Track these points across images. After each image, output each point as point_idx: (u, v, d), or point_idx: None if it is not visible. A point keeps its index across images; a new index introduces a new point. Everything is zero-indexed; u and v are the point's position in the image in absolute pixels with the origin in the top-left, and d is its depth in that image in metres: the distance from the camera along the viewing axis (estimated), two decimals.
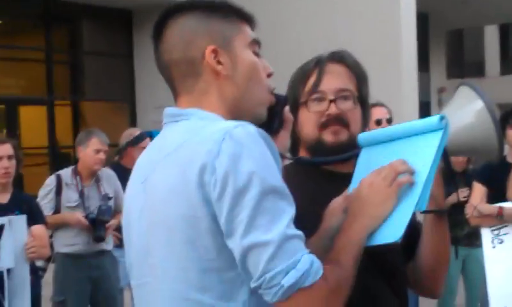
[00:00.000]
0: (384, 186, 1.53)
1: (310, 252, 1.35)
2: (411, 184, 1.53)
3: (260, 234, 1.30)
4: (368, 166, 1.63)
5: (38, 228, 4.24)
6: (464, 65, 25.48)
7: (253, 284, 1.33)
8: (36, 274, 4.38)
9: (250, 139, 1.36)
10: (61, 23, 13.21)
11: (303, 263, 1.32)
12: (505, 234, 4.39)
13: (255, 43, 1.56)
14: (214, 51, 1.49)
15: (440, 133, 1.57)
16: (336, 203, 1.66)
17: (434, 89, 17.24)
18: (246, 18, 1.56)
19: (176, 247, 1.39)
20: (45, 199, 4.98)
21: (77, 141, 5.20)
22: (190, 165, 1.37)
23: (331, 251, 1.50)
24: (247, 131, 1.37)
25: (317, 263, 1.35)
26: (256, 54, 1.55)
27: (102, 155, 5.06)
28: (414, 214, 1.65)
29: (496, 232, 4.42)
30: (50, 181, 5.06)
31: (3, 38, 12.64)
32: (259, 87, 1.54)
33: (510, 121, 4.58)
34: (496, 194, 4.60)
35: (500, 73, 25.70)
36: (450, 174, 1.73)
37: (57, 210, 4.98)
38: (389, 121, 4.72)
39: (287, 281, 1.30)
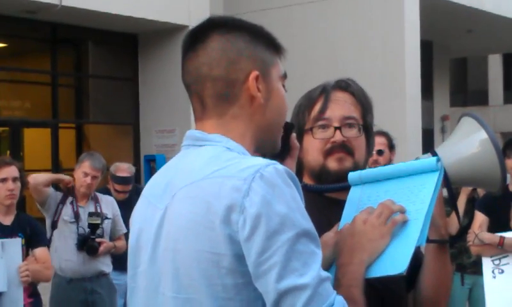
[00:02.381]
0: (378, 223, 1.55)
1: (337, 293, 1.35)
2: (404, 222, 1.56)
3: (296, 278, 1.28)
4: (361, 205, 1.65)
5: (41, 251, 4.24)
6: (468, 94, 25.53)
7: None
8: (37, 296, 4.37)
9: (281, 180, 1.33)
10: (67, 47, 13.28)
11: (336, 304, 1.31)
12: (506, 264, 4.38)
13: (284, 77, 1.55)
14: (257, 77, 1.46)
15: (436, 175, 1.59)
16: (328, 236, 1.65)
17: (438, 117, 17.25)
18: (280, 50, 1.54)
19: (192, 281, 1.36)
20: (50, 204, 5.03)
21: (76, 164, 5.27)
22: (216, 200, 1.33)
23: (340, 288, 1.48)
24: (277, 170, 1.34)
25: (346, 303, 1.34)
26: (284, 88, 1.54)
27: (88, 180, 5.07)
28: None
29: (497, 262, 4.41)
30: (57, 193, 5.14)
31: (9, 60, 12.72)
32: (282, 120, 1.53)
33: (507, 152, 4.61)
34: (497, 224, 4.60)
35: (504, 102, 25.74)
36: (453, 204, 1.73)
37: (56, 220, 5.01)
38: (391, 148, 4.72)
39: None
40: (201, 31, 1.49)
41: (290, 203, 1.32)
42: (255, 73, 1.46)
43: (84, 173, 5.09)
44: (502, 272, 4.38)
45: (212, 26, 1.49)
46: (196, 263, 1.34)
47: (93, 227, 5.02)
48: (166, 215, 1.43)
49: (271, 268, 1.29)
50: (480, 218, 4.77)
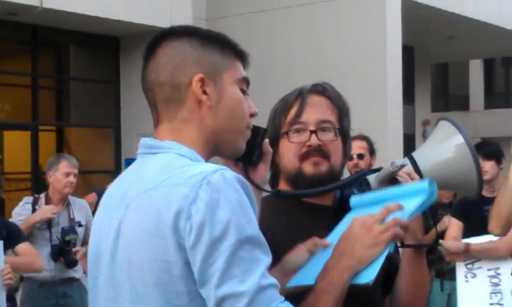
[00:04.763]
0: (378, 230, 1.51)
1: (285, 300, 1.33)
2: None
3: (234, 284, 1.28)
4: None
5: (24, 246, 4.20)
6: (449, 98, 25.69)
7: None
8: (13, 301, 4.32)
9: (228, 185, 1.34)
10: (48, 49, 13.20)
11: None
12: (478, 268, 4.40)
13: (244, 81, 1.54)
14: (202, 80, 1.47)
15: (425, 194, 1.57)
16: (304, 246, 1.63)
17: (419, 122, 17.33)
18: (240, 55, 1.55)
19: (147, 291, 1.36)
20: (19, 216, 4.94)
21: (47, 167, 5.18)
22: (165, 209, 1.34)
23: (312, 292, 1.48)
24: (225, 177, 1.34)
25: None
26: (244, 92, 1.54)
27: (71, 178, 5.03)
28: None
29: (469, 266, 4.43)
30: (26, 200, 5.06)
31: None
32: (240, 124, 1.52)
33: (481, 154, 4.60)
34: (472, 229, 4.61)
35: (485, 107, 25.92)
36: (431, 210, 1.73)
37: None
38: (371, 153, 4.72)
39: None
40: (153, 42, 1.53)
41: (235, 209, 1.32)
42: (198, 76, 1.47)
43: (65, 173, 5.03)
44: (475, 276, 4.39)
45: (163, 35, 1.53)
46: (150, 272, 1.35)
47: (69, 237, 4.97)
48: (121, 226, 1.43)
49: (212, 274, 1.29)
50: (454, 225, 4.79)
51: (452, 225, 4.81)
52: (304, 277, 1.56)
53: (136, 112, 12.25)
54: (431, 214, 1.92)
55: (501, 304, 4.32)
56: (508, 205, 3.14)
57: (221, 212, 1.31)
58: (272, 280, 1.33)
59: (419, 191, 1.59)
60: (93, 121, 13.38)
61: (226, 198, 1.32)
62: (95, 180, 10.64)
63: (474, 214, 4.60)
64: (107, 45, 12.80)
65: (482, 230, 4.39)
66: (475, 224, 4.54)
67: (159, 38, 1.53)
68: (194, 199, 1.32)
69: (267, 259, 1.33)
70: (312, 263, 1.58)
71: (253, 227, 1.33)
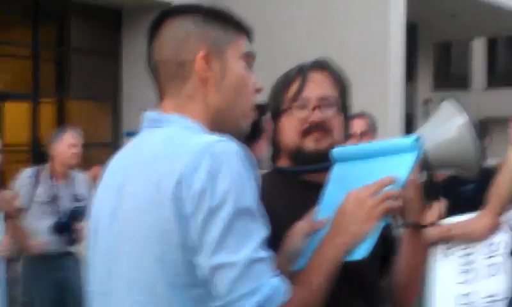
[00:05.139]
0: (371, 204, 1.51)
1: (278, 274, 1.34)
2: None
3: (227, 254, 1.30)
4: (342, 183, 1.62)
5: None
6: (451, 77, 25.62)
7: (216, 304, 1.32)
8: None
9: (230, 156, 1.34)
10: (49, 20, 13.13)
11: (267, 287, 1.31)
12: (450, 248, 4.37)
13: (249, 56, 1.55)
14: (206, 57, 1.47)
15: (414, 155, 1.57)
16: (299, 226, 1.63)
17: (420, 100, 17.31)
18: (243, 30, 1.55)
19: (145, 260, 1.37)
20: (21, 191, 4.91)
21: (49, 140, 5.14)
22: (167, 177, 1.34)
23: (305, 268, 1.48)
24: (228, 148, 1.35)
25: (283, 287, 1.34)
26: (248, 67, 1.54)
27: (76, 149, 5.00)
28: (391, 229, 1.64)
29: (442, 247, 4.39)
30: (27, 173, 5.01)
31: None
32: (244, 100, 1.52)
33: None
34: (451, 208, 4.59)
35: (486, 86, 25.87)
36: (433, 188, 1.73)
37: (28, 203, 4.92)
38: (373, 130, 4.71)
39: (249, 305, 1.29)
40: (156, 20, 1.54)
41: (236, 180, 1.32)
42: (202, 52, 1.47)
43: (69, 144, 5.01)
44: (446, 255, 4.35)
45: (166, 14, 1.53)
46: (148, 240, 1.36)
47: (75, 214, 4.94)
48: (120, 197, 1.44)
49: (208, 243, 1.31)
50: (436, 205, 4.76)
51: (434, 206, 4.80)
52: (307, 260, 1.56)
53: (138, 86, 12.22)
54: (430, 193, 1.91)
55: (468, 283, 4.33)
56: (508, 186, 3.15)
57: (222, 182, 1.31)
58: (266, 254, 1.33)
59: (405, 148, 1.59)
60: (94, 94, 13.36)
61: (227, 168, 1.32)
62: (94, 153, 10.64)
63: (452, 193, 4.61)
64: (109, 17, 12.74)
65: (460, 210, 4.38)
66: (454, 203, 4.53)
67: (162, 16, 1.53)
68: (196, 167, 1.33)
69: (262, 232, 1.34)
70: (312, 243, 1.58)
71: (251, 199, 1.34)
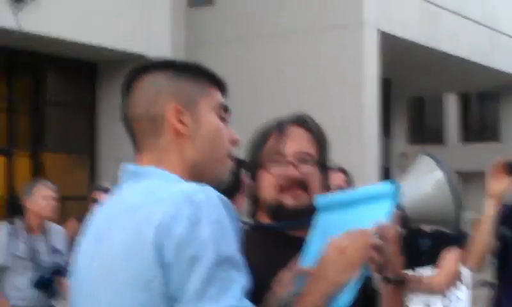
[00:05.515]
0: (352, 253, 1.51)
1: None
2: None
3: (209, 304, 1.27)
4: (325, 232, 1.62)
5: None
6: (425, 132, 25.92)
7: None
8: None
9: (210, 204, 1.34)
10: (24, 73, 13.12)
11: None
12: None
13: (223, 108, 1.55)
14: (177, 110, 1.48)
15: (389, 200, 1.60)
16: (285, 274, 1.62)
17: (396, 154, 17.46)
18: (217, 83, 1.56)
19: None
20: None
21: (23, 194, 5.09)
22: (147, 225, 1.34)
23: None
24: (207, 195, 1.35)
25: None
26: (223, 119, 1.54)
27: (51, 201, 4.95)
28: (370, 281, 1.63)
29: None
30: (4, 228, 4.94)
31: None
32: (220, 151, 1.52)
33: None
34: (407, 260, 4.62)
35: (460, 141, 26.19)
36: (411, 242, 1.72)
37: (7, 259, 4.84)
38: (350, 185, 4.75)
39: None
40: (129, 77, 1.55)
41: (216, 228, 1.32)
42: (173, 106, 1.48)
43: (43, 196, 4.96)
44: None
45: (137, 71, 1.54)
46: (130, 290, 1.34)
47: (56, 268, 4.87)
48: (100, 246, 1.43)
49: (189, 292, 1.29)
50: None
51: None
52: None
53: (112, 138, 12.19)
54: (411, 247, 1.92)
55: None
56: (486, 238, 3.17)
57: (202, 230, 1.30)
58: (248, 304, 1.32)
59: (384, 194, 1.61)
60: (69, 146, 13.29)
61: (207, 216, 1.32)
62: (70, 206, 10.53)
63: (409, 246, 4.63)
64: (84, 70, 12.77)
65: (417, 262, 4.41)
66: (411, 256, 4.56)
67: (134, 73, 1.55)
68: (176, 215, 1.32)
69: (243, 281, 1.33)
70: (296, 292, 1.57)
71: (232, 247, 1.33)
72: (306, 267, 1.59)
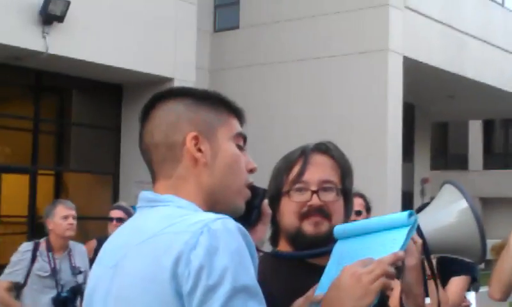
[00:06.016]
0: (367, 280, 1.49)
1: None
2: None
3: None
4: (341, 260, 1.62)
5: None
6: (448, 158, 25.77)
7: None
8: None
9: (228, 233, 1.33)
10: (51, 94, 13.28)
11: None
12: None
13: (240, 136, 1.55)
14: (195, 138, 1.48)
15: (406, 230, 1.58)
16: (298, 303, 1.61)
17: (418, 180, 17.35)
18: (235, 111, 1.56)
19: None
20: (17, 265, 4.88)
21: (44, 215, 5.14)
22: (165, 255, 1.33)
23: None
24: (225, 225, 1.35)
25: None
26: (240, 148, 1.54)
27: (70, 220, 4.99)
28: None
29: None
30: (26, 247, 4.98)
31: None
32: (237, 180, 1.52)
33: None
34: None
35: (483, 167, 25.98)
36: (433, 273, 1.71)
37: (26, 278, 4.88)
38: (368, 210, 4.73)
39: None
40: (148, 104, 1.55)
41: (234, 257, 1.31)
42: (192, 134, 1.48)
43: (63, 217, 5.00)
44: None
45: (157, 98, 1.55)
46: None
47: (76, 288, 4.91)
48: (116, 274, 1.43)
49: None
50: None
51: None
52: None
53: (136, 160, 12.24)
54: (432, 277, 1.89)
55: None
56: (509, 270, 3.11)
57: (219, 259, 1.30)
58: None
59: (400, 223, 1.60)
60: (92, 167, 13.38)
61: (225, 246, 1.31)
62: (92, 226, 10.59)
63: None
64: (109, 92, 12.88)
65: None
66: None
67: (154, 100, 1.55)
68: (194, 245, 1.32)
69: None
70: None
71: (249, 277, 1.33)
72: (322, 295, 1.57)
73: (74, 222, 5.02)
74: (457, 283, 4.56)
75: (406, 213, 1.59)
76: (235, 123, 1.55)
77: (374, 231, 1.64)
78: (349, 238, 1.69)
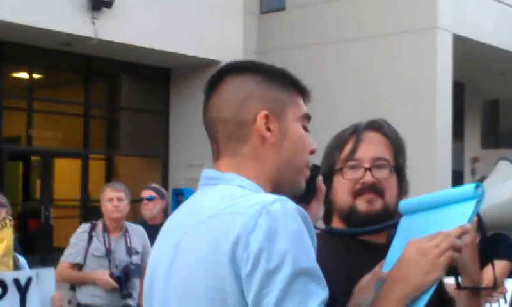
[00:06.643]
0: (434, 254, 1.45)
1: None
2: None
3: None
4: (407, 235, 1.59)
5: None
6: (499, 136, 25.27)
7: None
8: None
9: (287, 216, 1.32)
10: (100, 79, 13.47)
11: None
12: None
13: (306, 117, 1.53)
14: (266, 117, 1.45)
15: (473, 202, 1.54)
16: (366, 280, 1.60)
17: (468, 159, 17.09)
18: (302, 91, 1.54)
19: None
20: (76, 247, 5.01)
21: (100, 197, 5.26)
22: (224, 237, 1.33)
23: None
24: (285, 207, 1.33)
25: None
26: (305, 129, 1.53)
27: (115, 202, 5.06)
28: (444, 288, 1.60)
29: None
30: (83, 228, 5.10)
31: (44, 91, 12.93)
32: (301, 161, 1.51)
33: None
34: None
35: None
36: (488, 251, 1.69)
37: (85, 258, 4.99)
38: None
39: None
40: (216, 76, 1.51)
41: (294, 240, 1.30)
42: (263, 112, 1.46)
43: (108, 199, 5.10)
44: None
45: (226, 70, 1.51)
46: (204, 300, 1.34)
47: (129, 268, 5.00)
48: (177, 253, 1.43)
49: (266, 306, 1.27)
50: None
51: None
52: None
53: (184, 143, 12.36)
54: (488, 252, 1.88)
55: None
56: None
57: (279, 242, 1.29)
58: None
59: (467, 196, 1.56)
60: (142, 150, 13.55)
61: (284, 228, 1.30)
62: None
63: None
64: (158, 76, 13.00)
65: None
66: None
67: (221, 73, 1.51)
68: (253, 228, 1.31)
69: (323, 293, 1.31)
70: None
71: (310, 259, 1.31)
72: (388, 272, 1.55)
73: (120, 204, 5.09)
74: (500, 266, 4.48)
75: (472, 185, 1.55)
76: (302, 103, 1.53)
77: (439, 205, 1.61)
78: (414, 213, 1.66)
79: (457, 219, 1.54)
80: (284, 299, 1.27)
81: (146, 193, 5.91)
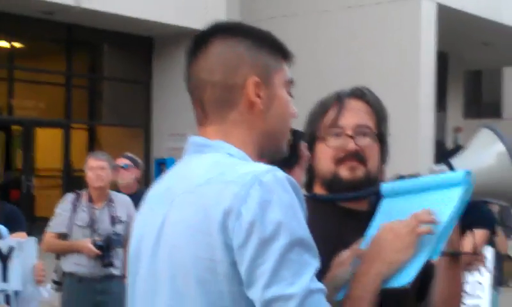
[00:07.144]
0: (405, 233, 1.50)
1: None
2: (430, 234, 1.51)
3: (283, 287, 1.26)
4: (389, 216, 1.61)
5: (21, 234, 4.22)
6: (482, 106, 25.41)
7: None
8: None
9: (280, 186, 1.32)
10: (82, 48, 13.34)
11: None
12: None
13: (290, 83, 1.52)
14: (257, 83, 1.44)
15: (461, 189, 1.54)
16: (345, 255, 1.62)
17: (450, 128, 17.18)
18: (287, 56, 1.53)
19: (188, 289, 1.34)
20: (60, 216, 5.01)
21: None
22: (215, 206, 1.32)
23: (347, 300, 1.47)
24: (277, 177, 1.33)
25: None
26: (289, 94, 1.52)
27: (98, 171, 5.06)
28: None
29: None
30: (69, 198, 5.10)
31: (25, 61, 12.79)
32: (286, 126, 1.51)
33: None
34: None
35: None
36: (467, 217, 1.70)
37: (69, 228, 5.00)
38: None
39: None
40: (203, 37, 1.48)
41: (287, 210, 1.30)
42: (253, 78, 1.44)
43: (90, 168, 5.10)
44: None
45: (214, 31, 1.48)
46: (193, 269, 1.33)
47: (112, 237, 5.00)
48: (165, 222, 1.41)
49: (261, 276, 1.27)
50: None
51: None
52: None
53: (167, 113, 12.32)
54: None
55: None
56: None
57: (272, 213, 1.29)
58: (321, 285, 1.31)
59: (454, 182, 1.56)
60: (124, 120, 13.49)
61: (277, 199, 1.30)
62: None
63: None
64: (140, 45, 12.90)
65: None
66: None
67: (208, 34, 1.48)
68: (244, 198, 1.30)
69: (315, 263, 1.32)
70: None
71: (303, 229, 1.32)
72: (364, 250, 1.58)
73: (102, 173, 5.07)
74: (479, 235, 4.53)
75: (462, 172, 1.56)
76: (286, 68, 1.52)
77: (424, 189, 1.61)
78: (398, 196, 1.67)
79: (443, 203, 1.55)
80: (280, 269, 1.27)
81: (121, 161, 5.90)
